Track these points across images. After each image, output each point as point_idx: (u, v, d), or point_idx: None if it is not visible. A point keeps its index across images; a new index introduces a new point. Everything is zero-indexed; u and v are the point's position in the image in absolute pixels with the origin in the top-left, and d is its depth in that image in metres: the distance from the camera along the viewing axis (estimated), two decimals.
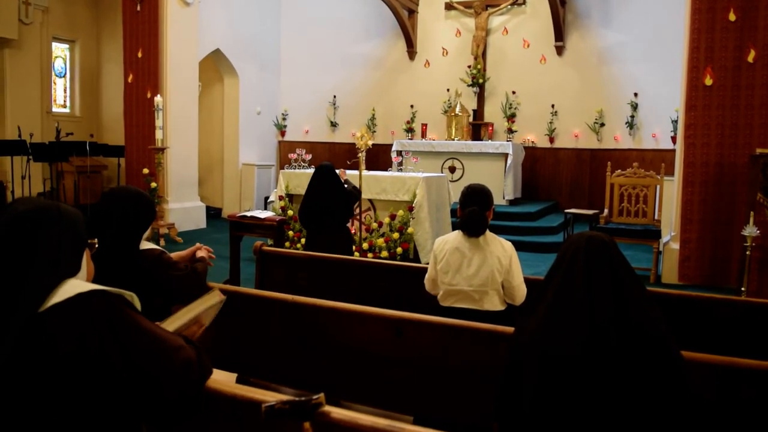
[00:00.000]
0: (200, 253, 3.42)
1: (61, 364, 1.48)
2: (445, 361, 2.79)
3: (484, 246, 3.49)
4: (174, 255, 3.39)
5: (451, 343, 2.76)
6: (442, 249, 3.59)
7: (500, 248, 3.51)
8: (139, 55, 9.92)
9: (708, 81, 6.75)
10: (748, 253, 5.32)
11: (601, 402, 1.75)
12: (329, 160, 13.16)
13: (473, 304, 3.50)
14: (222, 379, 3.49)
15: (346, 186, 6.28)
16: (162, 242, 9.05)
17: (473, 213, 3.49)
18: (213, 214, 11.93)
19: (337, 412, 1.64)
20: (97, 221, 2.73)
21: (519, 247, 9.28)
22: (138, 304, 1.73)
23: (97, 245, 1.79)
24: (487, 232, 3.55)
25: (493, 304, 3.51)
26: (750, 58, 6.58)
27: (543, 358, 1.83)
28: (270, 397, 1.75)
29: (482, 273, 3.45)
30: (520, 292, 3.54)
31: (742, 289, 5.42)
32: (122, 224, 2.75)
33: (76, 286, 1.57)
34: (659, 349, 1.80)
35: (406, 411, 3.28)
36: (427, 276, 3.72)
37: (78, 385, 1.49)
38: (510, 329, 2.62)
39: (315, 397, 1.63)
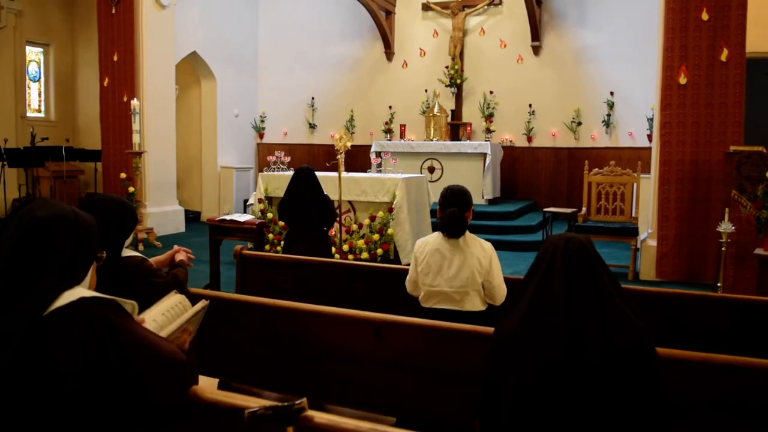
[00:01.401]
0: (179, 257, 3.40)
1: (61, 367, 1.50)
2: (426, 361, 2.79)
3: (464, 247, 3.51)
4: (153, 260, 3.36)
5: (431, 344, 2.77)
6: (423, 251, 3.60)
7: (480, 249, 3.53)
8: (115, 58, 9.81)
9: (682, 80, 6.85)
10: (723, 249, 5.39)
11: (579, 403, 1.76)
12: (308, 161, 13.19)
13: (454, 305, 3.52)
14: (204, 385, 3.47)
15: None
16: (141, 247, 8.98)
17: (453, 214, 3.50)
18: (192, 217, 11.83)
19: (319, 417, 1.64)
20: None
21: (498, 246, 9.32)
22: (135, 312, 1.77)
23: (105, 257, 1.79)
24: (467, 233, 3.57)
25: (474, 304, 3.53)
26: (723, 57, 6.69)
27: (521, 359, 1.83)
28: (253, 402, 1.75)
29: (462, 274, 3.47)
30: (501, 293, 3.56)
31: (718, 284, 5.49)
32: (106, 233, 2.72)
33: (80, 292, 1.60)
34: (637, 348, 1.82)
35: (389, 412, 3.29)
36: (408, 278, 3.73)
37: (77, 388, 1.52)
38: (490, 329, 2.64)
39: (297, 402, 1.63)
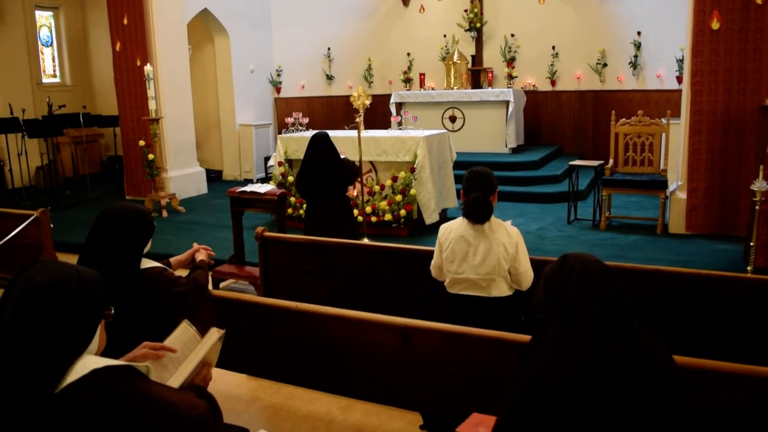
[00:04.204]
0: (199, 256, 3.36)
1: None
2: (452, 364, 2.76)
3: (489, 233, 3.42)
4: (173, 260, 3.33)
5: (457, 348, 2.72)
6: (447, 237, 3.52)
7: (506, 235, 3.44)
8: (125, 21, 9.61)
9: (715, 25, 6.50)
10: (757, 207, 5.21)
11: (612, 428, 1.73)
12: (327, 114, 13.06)
13: (481, 292, 3.46)
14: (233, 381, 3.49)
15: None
16: (164, 213, 9.00)
17: (477, 199, 3.40)
18: (213, 177, 11.83)
19: None
20: (96, 247, 2.66)
21: (523, 198, 9.27)
22: (152, 374, 1.73)
23: (112, 313, 1.73)
24: (492, 217, 3.47)
25: (501, 290, 3.47)
26: (758, 0, 6.31)
27: (555, 387, 1.77)
28: None
29: (489, 261, 3.39)
30: (527, 278, 3.49)
31: (751, 244, 5.34)
32: (122, 250, 2.68)
33: (90, 362, 1.55)
34: (667, 378, 1.78)
35: (414, 409, 3.29)
36: (432, 263, 3.66)
37: None
38: (516, 336, 2.58)
39: None
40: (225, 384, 3.93)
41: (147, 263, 2.84)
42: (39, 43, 12.22)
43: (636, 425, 1.72)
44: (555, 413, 1.77)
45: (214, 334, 2.15)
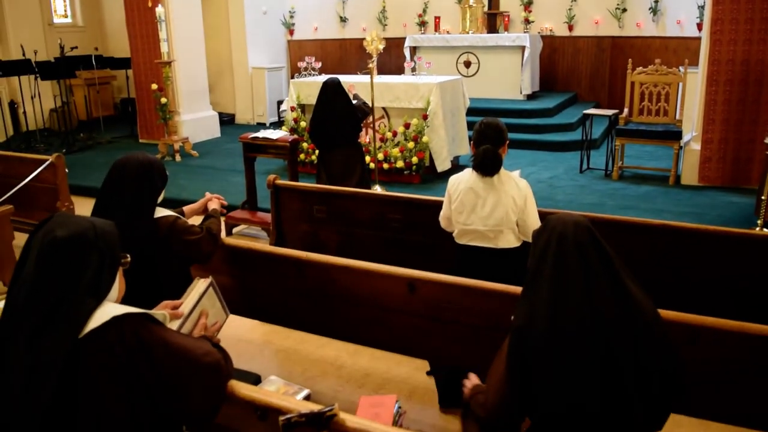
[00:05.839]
0: (212, 205, 3.43)
1: (102, 390, 1.57)
2: (457, 314, 2.83)
3: (499, 186, 3.44)
4: (186, 209, 3.40)
5: (462, 299, 2.79)
6: (456, 189, 3.54)
7: (515, 188, 3.46)
8: None
9: None
10: None
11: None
12: (340, 58, 12.92)
13: (489, 243, 3.50)
14: (247, 327, 3.59)
15: (355, 101, 6.17)
16: (178, 158, 9.06)
17: (487, 151, 3.40)
18: (226, 120, 11.82)
19: (351, 421, 1.69)
20: (110, 200, 2.72)
21: (536, 146, 9.20)
22: (168, 321, 1.82)
23: (129, 260, 1.81)
24: (502, 170, 3.49)
25: (508, 241, 3.50)
26: None
27: (544, 340, 1.80)
28: (286, 401, 1.81)
29: (497, 213, 3.42)
30: None
31: (762, 198, 5.33)
32: (136, 201, 2.75)
33: (111, 309, 1.64)
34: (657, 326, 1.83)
35: (421, 356, 3.40)
36: (441, 214, 3.70)
37: (118, 408, 1.59)
38: (519, 289, 2.63)
39: (329, 408, 1.68)
40: (237, 329, 4.05)
41: (161, 212, 2.91)
42: None
43: (623, 375, 1.76)
44: (544, 364, 1.80)
45: (201, 284, 2.21)
